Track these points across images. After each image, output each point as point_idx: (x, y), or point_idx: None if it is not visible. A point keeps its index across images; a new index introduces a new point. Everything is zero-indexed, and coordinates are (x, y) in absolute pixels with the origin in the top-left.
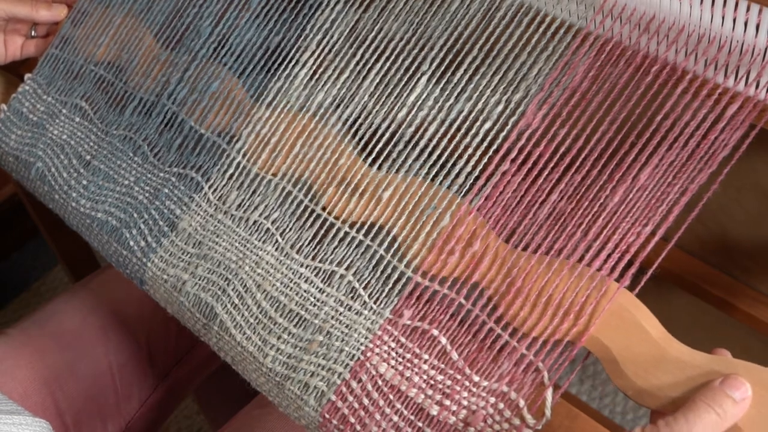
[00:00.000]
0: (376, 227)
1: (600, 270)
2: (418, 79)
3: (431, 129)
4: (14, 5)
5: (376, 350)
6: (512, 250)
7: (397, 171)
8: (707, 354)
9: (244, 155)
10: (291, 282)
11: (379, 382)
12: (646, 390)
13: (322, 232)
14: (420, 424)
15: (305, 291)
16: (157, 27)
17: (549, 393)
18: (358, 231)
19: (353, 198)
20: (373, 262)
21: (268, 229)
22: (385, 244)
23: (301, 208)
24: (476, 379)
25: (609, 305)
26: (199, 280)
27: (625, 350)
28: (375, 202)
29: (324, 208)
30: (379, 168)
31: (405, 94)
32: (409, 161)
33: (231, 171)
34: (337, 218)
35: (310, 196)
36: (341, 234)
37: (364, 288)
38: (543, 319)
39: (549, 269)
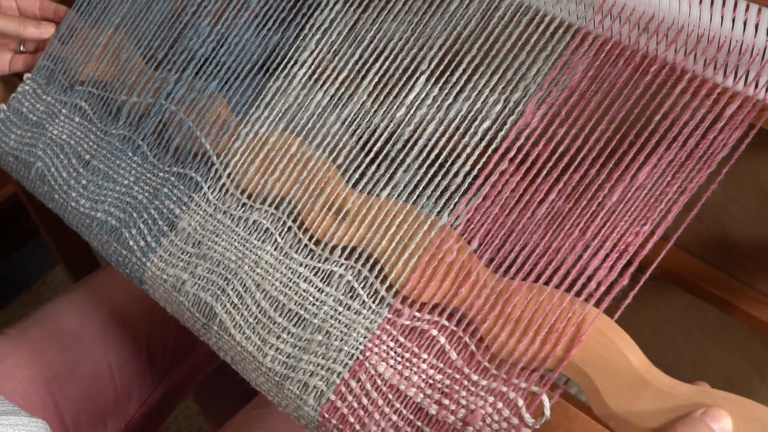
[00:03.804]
0: (359, 251)
1: (581, 294)
2: (417, 78)
3: (430, 128)
4: (1, 21)
5: (375, 350)
6: (492, 275)
7: (390, 179)
8: (689, 384)
9: (228, 166)
10: (290, 281)
11: (378, 382)
12: (628, 420)
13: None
14: (419, 424)
15: (304, 290)
16: (149, 37)
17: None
18: (342, 251)
19: (335, 221)
20: (366, 270)
21: (267, 228)
22: (369, 265)
23: (286, 226)
24: (475, 378)
25: (590, 333)
26: (198, 279)
27: (606, 380)
28: (357, 226)
29: (306, 231)
30: (377, 169)
31: (404, 94)
32: (408, 160)
33: (228, 170)
34: (318, 242)
35: (293, 217)
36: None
37: (363, 288)
38: (520, 345)
39: (528, 295)
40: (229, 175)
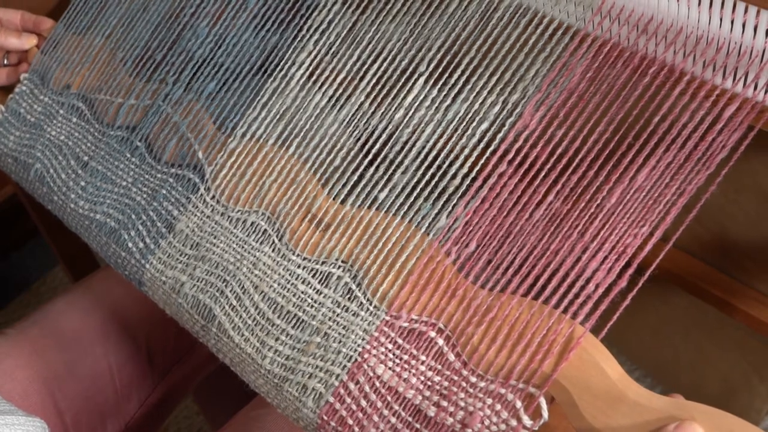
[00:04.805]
0: (352, 258)
1: (568, 310)
2: (416, 80)
3: (428, 130)
4: None
5: (373, 352)
6: (479, 290)
7: (388, 180)
8: (665, 397)
9: (224, 167)
10: (288, 283)
11: (377, 384)
12: None
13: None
14: (417, 426)
15: (302, 292)
16: (146, 38)
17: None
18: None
19: (324, 235)
20: (360, 275)
21: (264, 230)
22: (362, 271)
23: (283, 228)
24: (473, 380)
25: (571, 348)
26: (197, 281)
27: (584, 392)
28: (346, 240)
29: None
30: (375, 170)
31: (402, 95)
32: (406, 162)
33: (224, 171)
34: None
35: (276, 228)
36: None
37: (360, 289)
38: (508, 363)
39: (516, 312)
40: (224, 175)
